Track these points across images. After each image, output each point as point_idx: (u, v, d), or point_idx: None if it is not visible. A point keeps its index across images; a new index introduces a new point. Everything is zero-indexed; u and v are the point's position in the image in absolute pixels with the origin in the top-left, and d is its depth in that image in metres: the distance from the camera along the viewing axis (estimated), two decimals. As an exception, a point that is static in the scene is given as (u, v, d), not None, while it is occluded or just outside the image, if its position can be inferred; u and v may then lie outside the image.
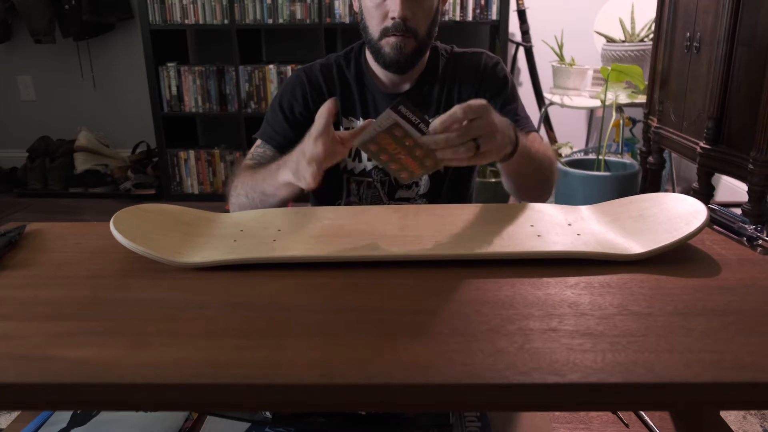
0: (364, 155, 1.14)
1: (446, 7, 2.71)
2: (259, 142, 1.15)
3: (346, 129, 1.13)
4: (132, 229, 0.75)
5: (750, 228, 0.78)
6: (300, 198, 1.12)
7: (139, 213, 0.80)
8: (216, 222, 0.85)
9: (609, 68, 2.41)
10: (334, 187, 1.16)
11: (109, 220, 0.75)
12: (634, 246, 0.71)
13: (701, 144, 1.78)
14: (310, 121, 0.82)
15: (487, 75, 1.14)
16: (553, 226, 0.79)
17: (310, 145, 0.80)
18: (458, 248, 0.73)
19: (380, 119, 0.73)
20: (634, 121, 2.89)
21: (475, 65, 1.15)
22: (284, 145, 1.07)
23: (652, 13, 2.34)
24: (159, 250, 0.72)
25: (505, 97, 1.13)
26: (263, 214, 0.87)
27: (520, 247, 0.73)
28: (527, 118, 1.15)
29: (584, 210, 0.85)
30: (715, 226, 0.84)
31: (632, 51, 2.61)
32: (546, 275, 0.68)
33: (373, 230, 0.79)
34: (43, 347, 0.54)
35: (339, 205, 1.17)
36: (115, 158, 3.24)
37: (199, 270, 0.71)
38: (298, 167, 0.85)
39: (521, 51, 2.96)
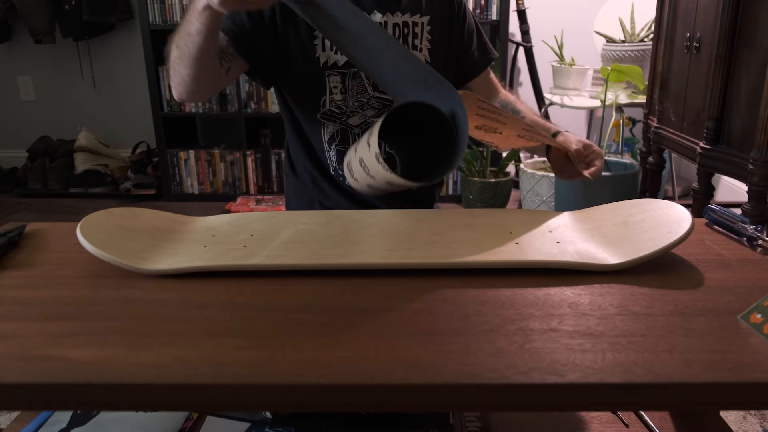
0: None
1: None
2: None
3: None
4: (99, 234, 0.73)
5: (750, 228, 0.77)
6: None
7: (110, 217, 0.78)
8: (189, 226, 0.83)
9: (609, 68, 2.41)
10: (314, 86, 1.10)
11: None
12: (612, 256, 0.70)
13: (701, 144, 1.78)
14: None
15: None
16: (532, 233, 0.77)
17: None
18: (431, 257, 0.71)
19: None
20: (634, 121, 2.90)
21: None
22: (236, 31, 1.02)
23: (652, 13, 2.34)
24: (123, 255, 0.70)
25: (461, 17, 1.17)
26: (239, 218, 0.85)
27: (495, 256, 0.71)
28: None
29: (567, 216, 0.83)
30: (715, 226, 0.84)
31: (632, 51, 2.61)
32: (545, 275, 0.68)
33: (345, 237, 0.78)
34: (43, 347, 0.54)
35: (324, 104, 1.11)
36: (115, 158, 3.24)
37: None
38: None
39: (521, 51, 2.96)
